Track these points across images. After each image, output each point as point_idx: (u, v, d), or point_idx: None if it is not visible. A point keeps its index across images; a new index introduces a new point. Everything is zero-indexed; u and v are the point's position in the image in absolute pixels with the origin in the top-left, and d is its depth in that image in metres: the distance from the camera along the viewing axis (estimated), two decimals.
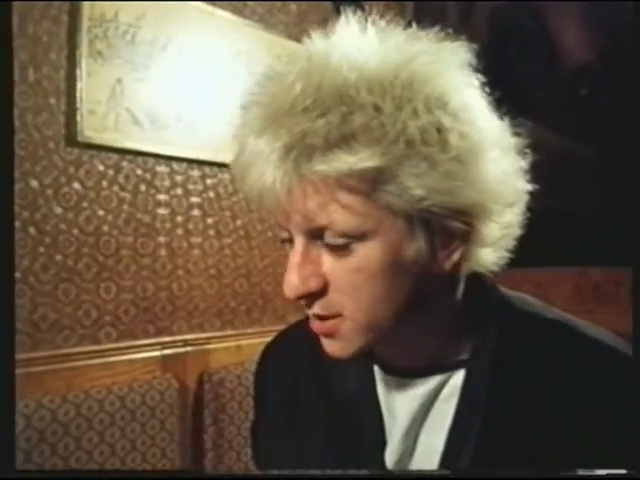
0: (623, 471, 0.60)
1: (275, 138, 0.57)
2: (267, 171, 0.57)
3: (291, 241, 0.63)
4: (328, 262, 0.61)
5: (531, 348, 0.67)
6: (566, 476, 0.62)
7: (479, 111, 0.63)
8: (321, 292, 0.62)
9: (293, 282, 0.61)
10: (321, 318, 0.64)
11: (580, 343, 0.68)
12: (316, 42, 0.63)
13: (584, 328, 0.70)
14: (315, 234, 0.60)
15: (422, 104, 0.58)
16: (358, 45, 0.61)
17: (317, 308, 0.63)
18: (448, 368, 0.69)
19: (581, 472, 0.61)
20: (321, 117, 0.56)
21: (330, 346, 0.66)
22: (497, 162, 0.62)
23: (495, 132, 0.63)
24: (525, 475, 0.63)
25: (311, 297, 0.63)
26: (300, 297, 0.62)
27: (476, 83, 0.64)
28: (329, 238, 0.60)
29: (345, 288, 0.61)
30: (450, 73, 0.62)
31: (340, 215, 0.58)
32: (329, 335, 0.65)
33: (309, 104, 0.56)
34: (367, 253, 0.59)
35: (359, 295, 0.61)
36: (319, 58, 0.60)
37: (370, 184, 0.57)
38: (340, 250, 0.60)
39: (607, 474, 0.60)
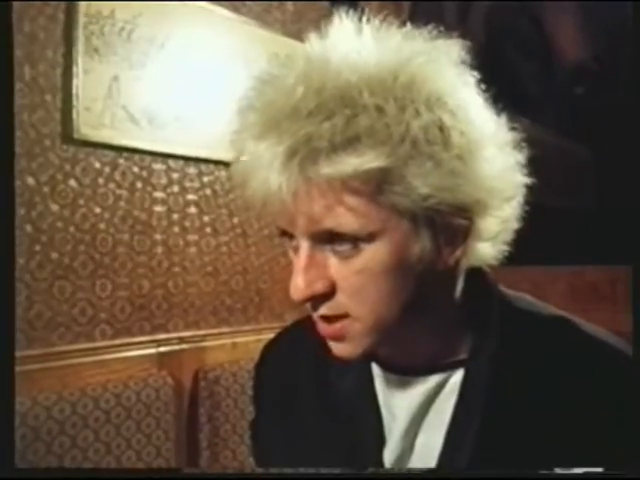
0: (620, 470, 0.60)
1: (277, 142, 0.57)
2: (271, 175, 0.57)
3: (296, 248, 0.63)
4: (334, 264, 0.61)
5: (531, 347, 0.67)
6: (564, 475, 0.63)
7: (476, 109, 0.63)
8: (327, 294, 0.62)
9: (299, 285, 0.61)
10: (328, 319, 0.64)
11: (580, 341, 0.68)
12: (313, 44, 0.63)
13: (584, 327, 0.70)
14: (321, 237, 0.60)
15: (423, 104, 0.58)
16: (356, 46, 0.61)
17: (323, 309, 0.63)
18: (448, 367, 0.69)
19: (578, 470, 0.62)
20: (326, 121, 0.56)
21: (338, 349, 0.66)
22: (494, 158, 0.62)
23: (491, 129, 0.64)
24: (524, 474, 0.63)
25: (317, 299, 0.62)
26: (306, 300, 0.62)
27: (471, 81, 0.65)
28: (336, 246, 0.60)
29: (351, 289, 0.61)
30: (447, 72, 0.62)
31: (346, 217, 0.58)
32: (337, 338, 0.65)
33: (312, 108, 0.56)
34: (373, 254, 0.59)
35: (365, 295, 0.61)
36: (318, 60, 0.60)
37: (376, 185, 0.57)
38: (346, 252, 0.60)
39: (606, 472, 0.61)
